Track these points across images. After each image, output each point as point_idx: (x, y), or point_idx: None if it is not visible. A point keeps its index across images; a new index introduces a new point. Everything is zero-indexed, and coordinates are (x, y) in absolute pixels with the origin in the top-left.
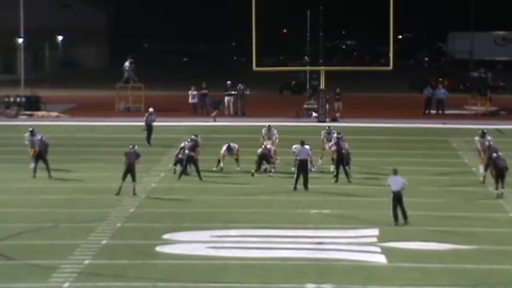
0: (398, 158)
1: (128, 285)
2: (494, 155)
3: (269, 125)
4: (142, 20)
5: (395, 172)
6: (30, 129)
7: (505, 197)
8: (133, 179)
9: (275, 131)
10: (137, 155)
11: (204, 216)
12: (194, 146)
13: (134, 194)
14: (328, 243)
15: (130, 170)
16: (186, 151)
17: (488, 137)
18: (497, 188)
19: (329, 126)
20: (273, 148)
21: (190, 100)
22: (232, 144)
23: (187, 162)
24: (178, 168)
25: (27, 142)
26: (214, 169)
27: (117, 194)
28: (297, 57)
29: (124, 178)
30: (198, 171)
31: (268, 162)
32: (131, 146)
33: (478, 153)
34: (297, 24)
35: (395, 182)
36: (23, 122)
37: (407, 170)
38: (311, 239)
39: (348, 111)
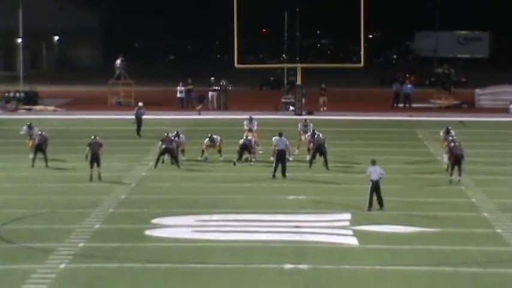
0: (369, 148)
1: (120, 266)
2: (452, 144)
3: (250, 116)
4: (132, 22)
5: (373, 163)
6: (28, 123)
7: (466, 183)
8: (98, 165)
9: (256, 122)
10: (100, 145)
11: (189, 202)
12: (172, 140)
13: (100, 178)
14: (304, 226)
15: (95, 159)
16: (164, 145)
17: (452, 132)
18: (451, 175)
19: (305, 119)
20: (253, 139)
21: (178, 95)
22: (214, 136)
23: (162, 154)
24: (167, 157)
25: (22, 133)
26: (199, 158)
27: (90, 179)
28: (276, 55)
29: (92, 166)
30: (176, 161)
31: (249, 152)
32: (93, 137)
33: (441, 144)
34: (276, 25)
35: (374, 172)
36: (21, 115)
37: (377, 159)
38: (289, 223)
39: (318, 106)
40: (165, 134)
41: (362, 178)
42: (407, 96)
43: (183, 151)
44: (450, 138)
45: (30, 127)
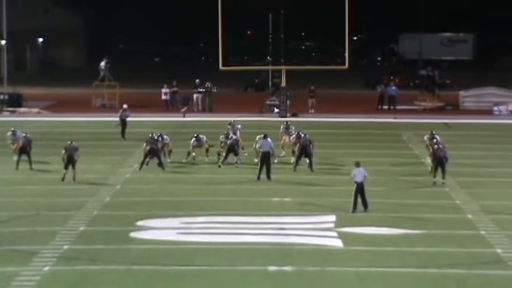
0: (354, 150)
1: (104, 268)
2: (436, 146)
3: (231, 121)
4: (117, 24)
5: (357, 164)
6: (12, 128)
7: (450, 185)
8: (73, 167)
9: (239, 126)
10: (76, 149)
11: (174, 204)
12: (156, 141)
13: (74, 179)
14: (289, 228)
15: (70, 161)
16: (148, 147)
17: (437, 137)
18: (435, 176)
19: (287, 121)
20: (239, 140)
21: (163, 97)
22: (200, 136)
23: (147, 155)
24: (151, 160)
25: (9, 141)
26: (184, 161)
27: (62, 180)
28: (260, 57)
29: (66, 167)
30: (160, 162)
31: (236, 154)
32: (69, 142)
33: (426, 147)
34: (260, 27)
35: (358, 174)
36: (5, 117)
37: (362, 161)
38: (273, 225)
39: (307, 107)
40: (150, 135)
41: (347, 180)
42: (392, 98)
43: (170, 152)
44: (434, 141)
45: (14, 133)
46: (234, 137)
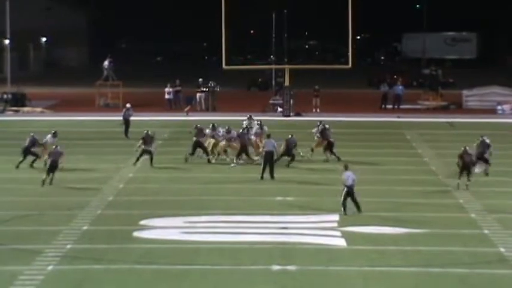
0: (357, 149)
1: (107, 267)
2: (463, 148)
3: (213, 124)
4: (120, 23)
5: (346, 167)
6: (53, 131)
7: (454, 184)
8: (53, 172)
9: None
10: (60, 154)
11: (177, 203)
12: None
13: (51, 183)
14: (292, 228)
15: (54, 167)
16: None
17: (486, 140)
18: (459, 178)
19: (260, 121)
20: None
21: (166, 96)
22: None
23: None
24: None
25: (41, 145)
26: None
27: (42, 185)
28: (263, 56)
29: (48, 173)
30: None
31: (247, 155)
32: (54, 147)
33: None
34: (263, 26)
35: (348, 177)
36: (9, 117)
37: (366, 160)
38: (276, 224)
39: (311, 107)
40: (145, 132)
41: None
42: (398, 97)
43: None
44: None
45: (55, 135)
46: (252, 136)
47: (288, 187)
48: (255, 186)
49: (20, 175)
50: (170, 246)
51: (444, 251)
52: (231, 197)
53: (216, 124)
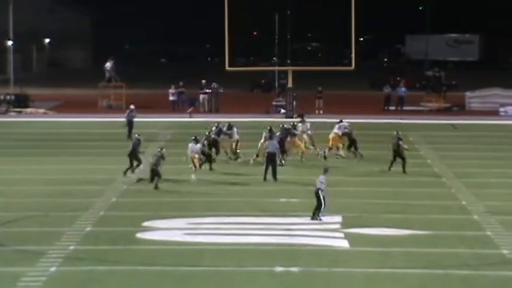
0: (360, 151)
1: (110, 269)
2: None
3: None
4: (123, 24)
5: (325, 171)
6: (193, 137)
7: (457, 186)
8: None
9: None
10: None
11: (181, 205)
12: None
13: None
14: (295, 229)
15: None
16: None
17: None
18: None
19: (270, 127)
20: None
21: (170, 98)
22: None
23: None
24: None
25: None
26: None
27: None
28: (266, 58)
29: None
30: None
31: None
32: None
33: None
34: (266, 28)
35: (321, 181)
36: (12, 118)
37: (368, 162)
38: (280, 225)
39: (314, 108)
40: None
41: (354, 181)
42: (401, 99)
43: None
44: None
45: (196, 140)
46: (236, 136)
47: (292, 188)
48: (258, 188)
49: (23, 176)
50: (174, 247)
51: (447, 252)
52: (235, 199)
53: (231, 123)
